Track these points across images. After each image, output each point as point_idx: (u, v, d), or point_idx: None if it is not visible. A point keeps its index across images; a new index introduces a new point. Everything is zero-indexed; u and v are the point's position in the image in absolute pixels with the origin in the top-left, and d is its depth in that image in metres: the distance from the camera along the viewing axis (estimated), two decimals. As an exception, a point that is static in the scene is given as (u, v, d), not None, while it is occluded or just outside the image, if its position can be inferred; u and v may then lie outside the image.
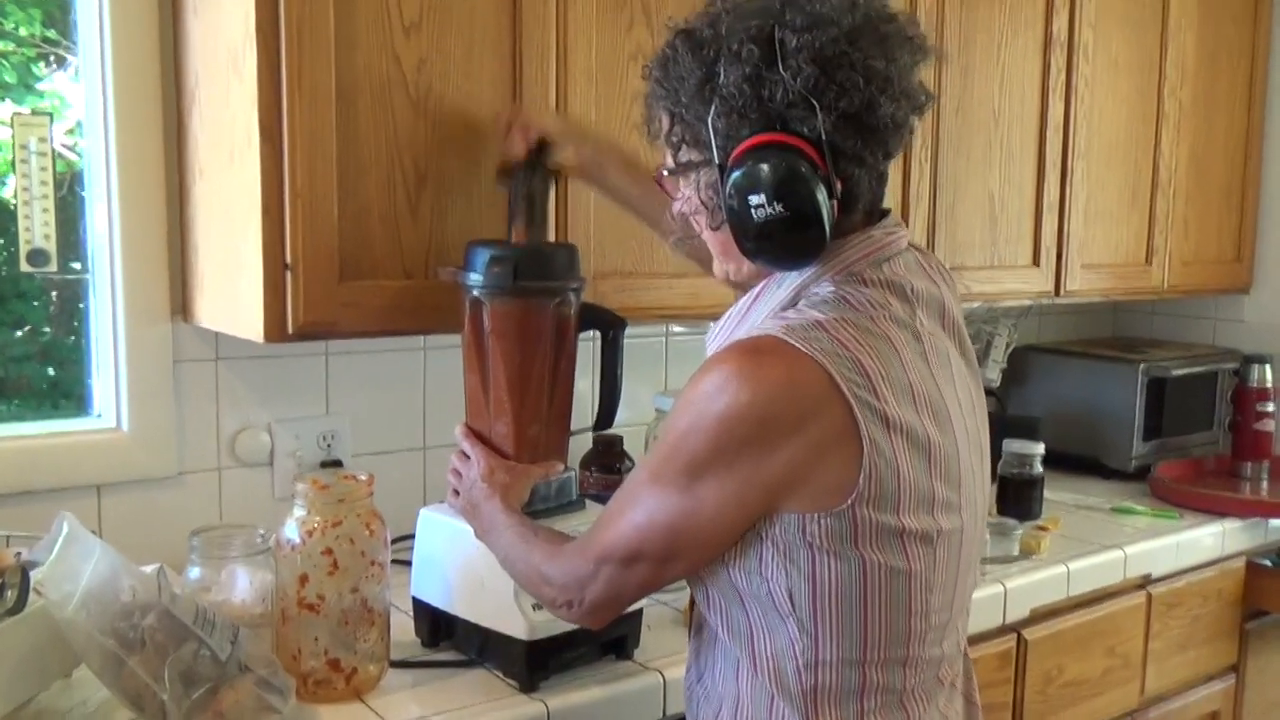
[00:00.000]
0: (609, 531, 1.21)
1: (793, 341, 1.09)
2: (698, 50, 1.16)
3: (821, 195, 1.12)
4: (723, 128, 1.14)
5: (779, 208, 1.12)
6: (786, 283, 1.20)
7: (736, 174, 1.13)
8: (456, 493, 1.51)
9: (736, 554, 1.15)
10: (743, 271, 1.25)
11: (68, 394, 1.91)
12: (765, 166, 1.11)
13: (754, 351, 1.11)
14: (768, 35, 1.11)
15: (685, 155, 1.21)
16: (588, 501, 1.63)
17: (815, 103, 1.10)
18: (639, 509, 1.17)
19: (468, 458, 1.52)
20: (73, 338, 1.92)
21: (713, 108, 1.14)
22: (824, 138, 1.11)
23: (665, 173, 1.25)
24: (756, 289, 1.23)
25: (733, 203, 1.14)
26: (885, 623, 1.15)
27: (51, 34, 1.83)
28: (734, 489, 1.11)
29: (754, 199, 1.12)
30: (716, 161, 1.15)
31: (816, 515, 1.10)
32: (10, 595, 1.19)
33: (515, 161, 1.57)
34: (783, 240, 1.14)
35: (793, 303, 1.18)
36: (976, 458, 1.24)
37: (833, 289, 1.17)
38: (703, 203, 1.21)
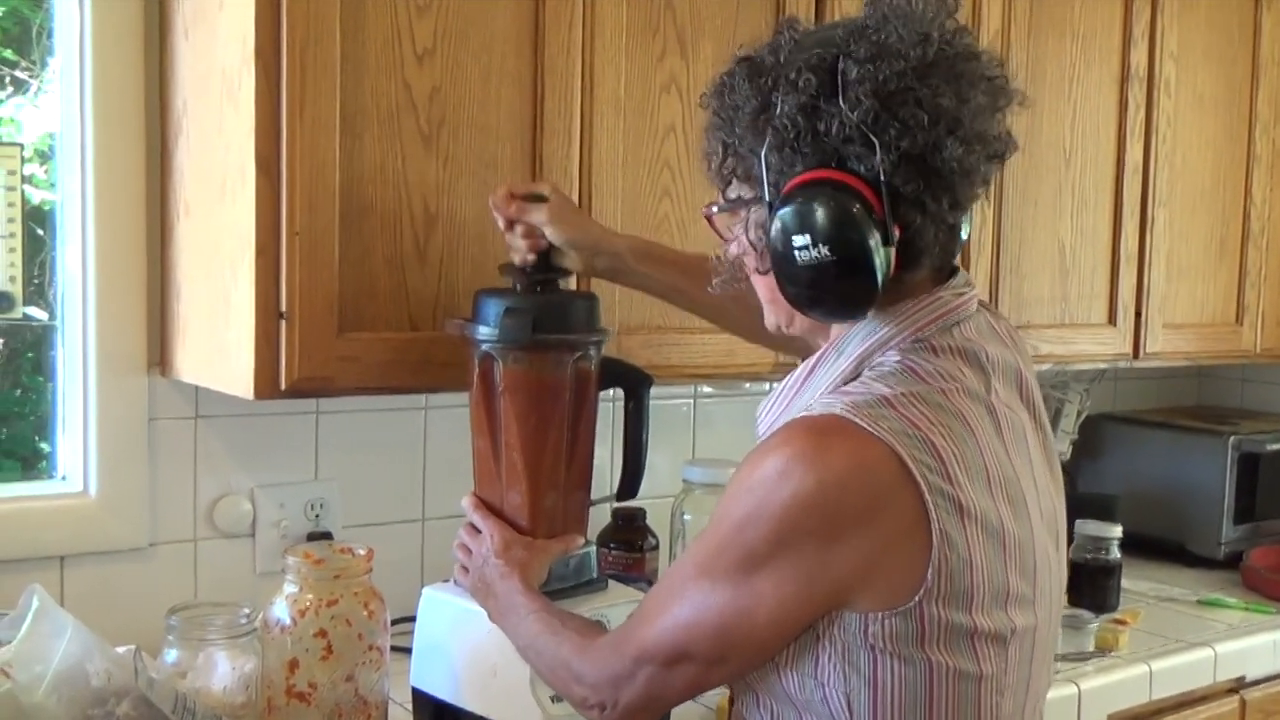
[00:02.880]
0: (650, 628, 1.22)
1: (860, 421, 1.12)
2: (755, 78, 1.20)
3: (875, 241, 1.14)
4: (775, 162, 1.18)
5: (824, 250, 1.14)
6: (847, 350, 1.23)
7: (783, 212, 1.17)
8: (466, 570, 1.54)
9: (790, 656, 1.17)
10: (794, 324, 1.28)
11: (11, 453, 1.94)
12: (814, 205, 1.15)
13: (819, 432, 1.13)
14: (829, 65, 1.15)
15: (735, 190, 1.26)
16: (610, 581, 1.66)
17: (875, 140, 1.13)
18: (685, 604, 1.19)
19: (478, 532, 1.55)
20: (19, 390, 1.95)
21: (766, 139, 1.18)
22: (882, 178, 1.14)
23: (714, 209, 1.30)
24: (813, 359, 1.26)
25: (776, 244, 1.17)
26: None
27: (9, 54, 1.89)
28: (796, 586, 1.13)
29: (798, 240, 1.15)
30: (766, 199, 1.19)
31: (881, 614, 1.12)
32: (-27, 676, 1.22)
33: (520, 264, 1.60)
34: (829, 288, 1.17)
35: (855, 374, 1.21)
36: (1052, 545, 1.26)
37: (899, 358, 1.20)
38: (751, 243, 1.24)
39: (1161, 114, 2.55)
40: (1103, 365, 2.63)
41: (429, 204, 1.66)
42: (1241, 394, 3.31)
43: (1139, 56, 2.50)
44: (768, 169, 1.18)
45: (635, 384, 1.67)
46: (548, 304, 1.58)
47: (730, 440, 2.44)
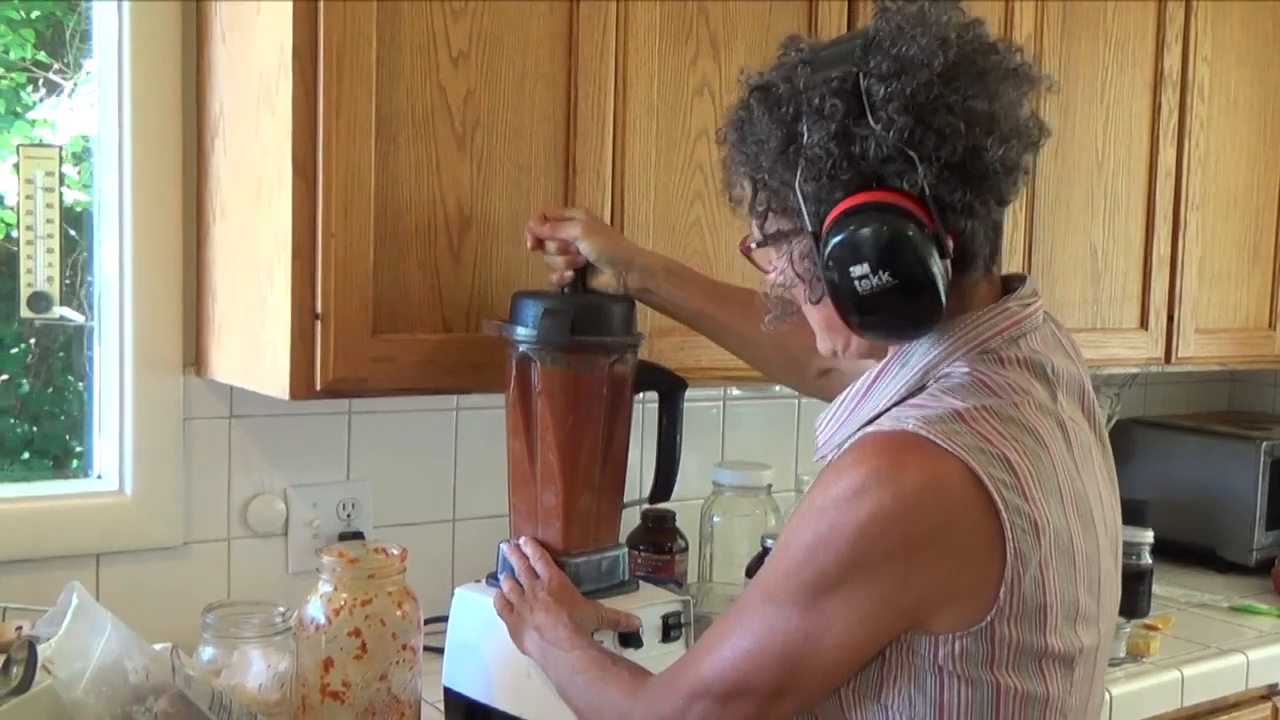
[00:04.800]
0: (707, 660, 1.20)
1: (934, 438, 1.09)
2: (775, 109, 1.17)
3: (933, 257, 1.12)
4: (813, 191, 1.15)
5: (886, 277, 1.11)
6: (912, 362, 1.20)
7: (834, 243, 1.13)
8: (510, 606, 1.53)
9: (853, 680, 1.15)
10: (852, 348, 1.25)
11: (44, 452, 1.96)
12: (866, 231, 1.11)
13: (894, 449, 1.10)
14: (852, 87, 1.13)
15: (774, 225, 1.22)
16: (641, 583, 1.67)
17: (913, 155, 1.11)
18: (746, 634, 1.16)
19: (535, 576, 1.53)
20: (50, 389, 1.98)
21: (799, 171, 1.15)
22: (927, 192, 1.12)
23: (754, 245, 1.26)
24: (875, 370, 1.23)
25: (832, 275, 1.14)
26: None
27: (43, 57, 1.92)
28: (868, 610, 1.10)
29: (856, 270, 1.12)
30: (809, 229, 1.17)
31: (953, 636, 1.10)
32: (16, 672, 1.23)
33: (558, 282, 1.61)
34: (895, 311, 1.14)
35: (920, 385, 1.18)
36: (1112, 559, 1.24)
37: (968, 370, 1.17)
38: (799, 275, 1.21)
39: (1195, 118, 2.54)
40: (1134, 369, 2.62)
41: (463, 206, 1.67)
42: (1274, 399, 3.29)
43: (1172, 60, 2.50)
44: (805, 199, 1.16)
45: (669, 388, 1.68)
46: (586, 306, 1.58)
47: (760, 443, 2.44)
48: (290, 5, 1.54)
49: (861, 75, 1.13)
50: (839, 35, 1.27)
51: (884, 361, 1.23)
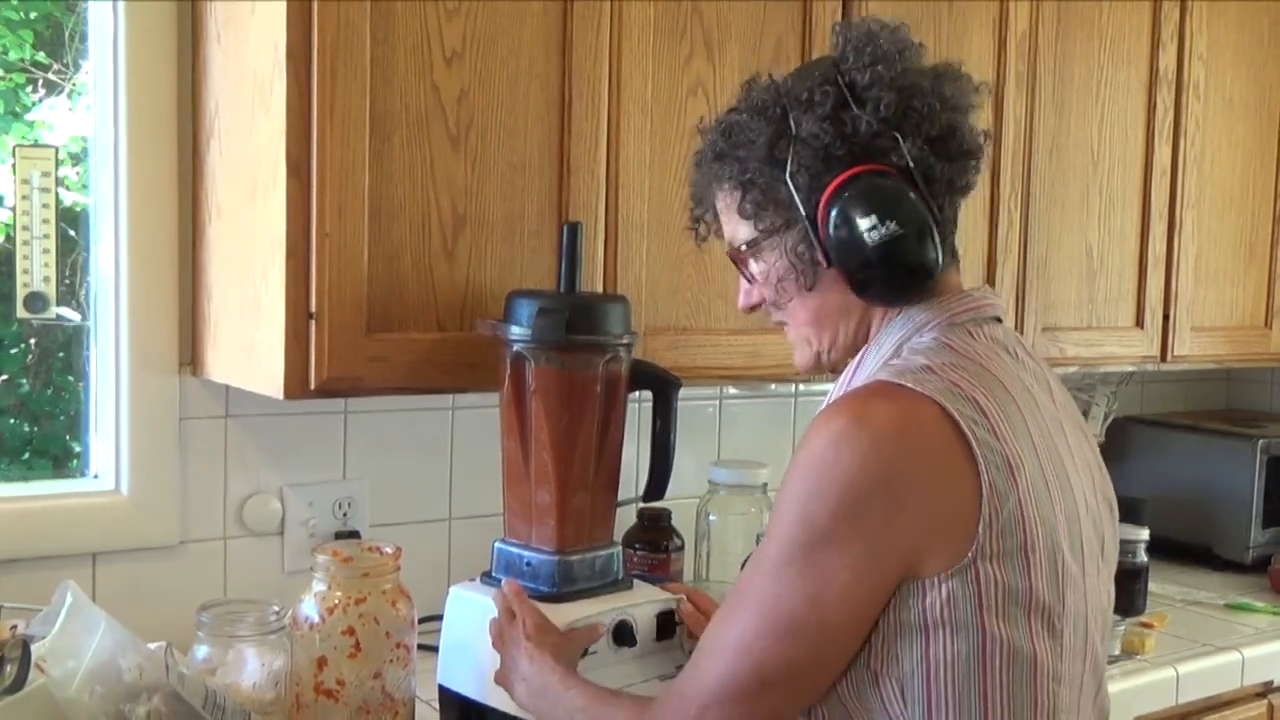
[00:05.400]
0: (710, 662, 1.19)
1: (904, 383, 1.15)
2: (761, 112, 1.27)
3: (929, 213, 1.22)
4: (805, 180, 1.24)
5: (893, 225, 1.20)
6: (887, 342, 1.27)
7: (836, 210, 1.21)
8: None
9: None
10: (838, 341, 1.31)
11: (43, 452, 1.97)
12: (871, 188, 1.21)
13: (863, 398, 1.16)
14: (835, 80, 1.24)
15: (766, 220, 1.29)
16: (635, 581, 1.67)
17: (899, 132, 1.22)
18: (747, 616, 1.16)
19: (514, 619, 1.50)
20: (50, 390, 1.98)
21: (789, 162, 1.24)
22: (912, 165, 1.22)
23: (744, 247, 1.33)
24: (856, 359, 1.29)
25: (841, 233, 1.21)
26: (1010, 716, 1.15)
27: (42, 57, 1.92)
28: (863, 558, 1.12)
29: (865, 222, 1.20)
30: (804, 214, 1.24)
31: (939, 579, 1.12)
32: (10, 671, 1.23)
33: None
34: (901, 259, 1.22)
35: (895, 354, 1.25)
36: (1094, 536, 1.26)
37: (936, 336, 1.24)
38: (792, 264, 1.28)
39: (1190, 116, 2.54)
40: (1130, 368, 2.62)
41: (457, 205, 1.67)
42: (1271, 397, 3.29)
43: (1168, 59, 2.50)
44: (797, 189, 1.24)
45: (664, 387, 1.68)
46: (580, 305, 1.59)
47: (756, 442, 2.45)
48: (284, 5, 1.54)
49: (843, 72, 1.25)
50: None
51: (861, 352, 1.29)
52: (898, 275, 1.23)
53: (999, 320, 1.32)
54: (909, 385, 1.15)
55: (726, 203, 1.34)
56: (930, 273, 1.23)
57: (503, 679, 1.48)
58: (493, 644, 1.51)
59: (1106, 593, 1.30)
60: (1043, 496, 1.17)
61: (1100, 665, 1.28)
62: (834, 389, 1.31)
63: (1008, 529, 1.13)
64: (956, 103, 1.26)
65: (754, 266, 1.34)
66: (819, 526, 1.13)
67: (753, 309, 1.40)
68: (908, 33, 1.29)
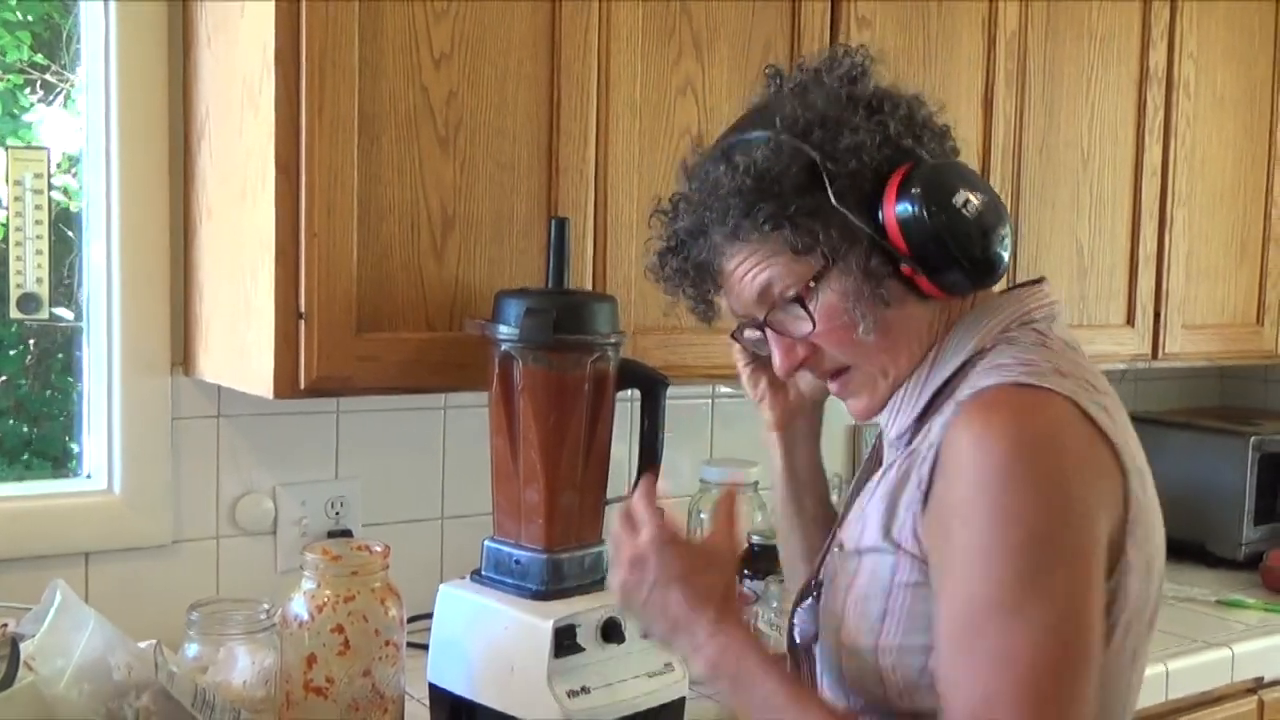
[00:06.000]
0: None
1: (1044, 384, 1.13)
2: (802, 137, 1.20)
3: None
4: (854, 197, 1.19)
5: (980, 197, 1.20)
6: (963, 336, 1.24)
7: (913, 203, 1.17)
8: (633, 573, 1.26)
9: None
10: (913, 361, 1.25)
11: (43, 453, 1.97)
12: (936, 171, 1.20)
13: (1017, 404, 1.13)
14: (845, 96, 1.23)
15: (828, 244, 1.20)
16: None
17: (920, 131, 1.24)
18: (1006, 677, 1.07)
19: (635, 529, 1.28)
20: (49, 391, 1.99)
21: (833, 184, 1.18)
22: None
23: (811, 283, 1.21)
24: (927, 361, 1.24)
25: (929, 222, 1.17)
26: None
27: (39, 59, 1.93)
28: (1092, 566, 1.10)
29: (958, 198, 1.18)
30: (867, 230, 1.19)
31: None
32: (-2, 668, 1.24)
33: None
34: (996, 230, 1.20)
35: (980, 350, 1.22)
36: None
37: (1034, 335, 1.22)
38: (866, 279, 1.20)
39: (1181, 115, 2.55)
40: (1121, 365, 2.62)
41: (446, 206, 1.68)
42: (1265, 394, 3.29)
43: (1158, 57, 2.50)
44: (850, 208, 1.18)
45: (652, 385, 1.69)
46: (568, 304, 1.59)
47: (748, 440, 2.45)
48: (272, 8, 1.55)
49: (834, 89, 1.23)
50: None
51: (929, 354, 1.25)
52: (1000, 242, 1.20)
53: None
54: (1049, 386, 1.13)
55: (763, 254, 1.23)
56: (1008, 244, 1.23)
57: (662, 624, 1.24)
58: (617, 561, 1.27)
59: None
60: (1152, 495, 1.18)
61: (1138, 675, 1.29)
62: (906, 390, 1.25)
63: (1144, 532, 1.15)
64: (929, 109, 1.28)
65: (816, 306, 1.22)
66: (1037, 548, 1.08)
67: (799, 366, 1.28)
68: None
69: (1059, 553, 1.08)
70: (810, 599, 1.32)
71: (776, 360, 1.28)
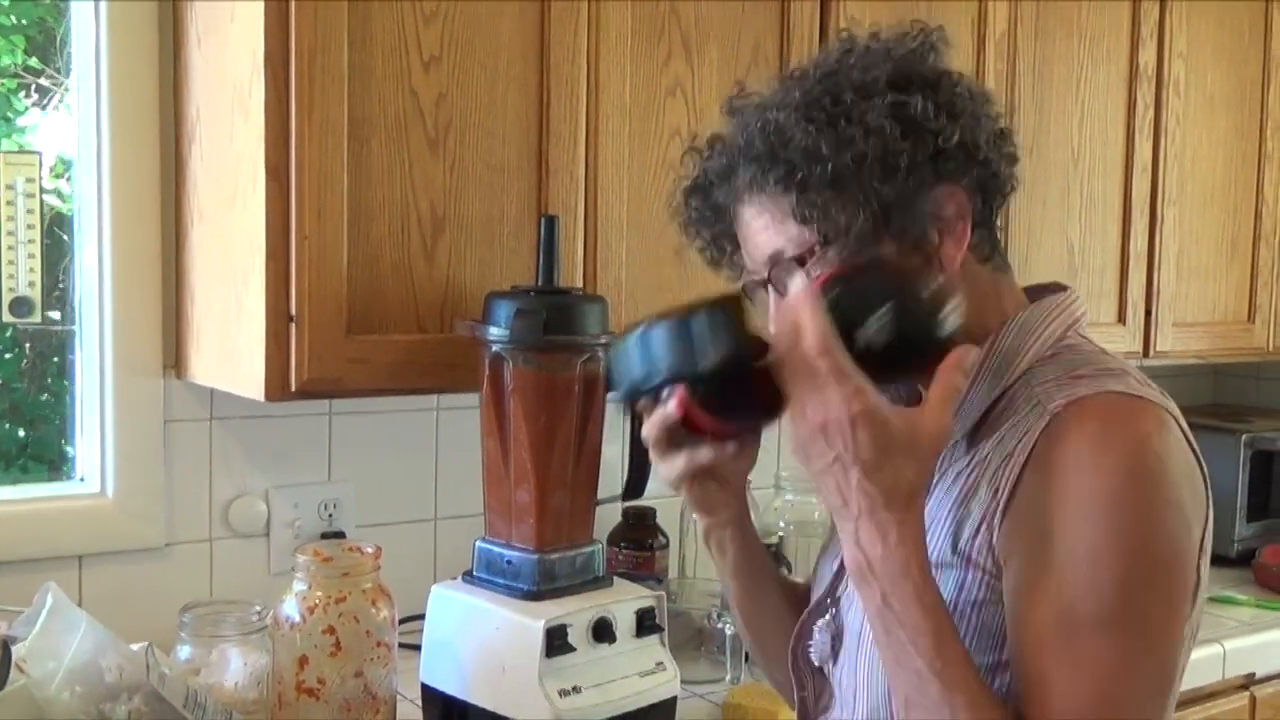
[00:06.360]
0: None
1: (1143, 394, 1.11)
2: (828, 106, 1.16)
3: None
4: (869, 176, 1.14)
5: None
6: (1020, 335, 1.19)
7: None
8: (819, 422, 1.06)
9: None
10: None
11: (39, 457, 1.98)
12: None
13: (1124, 413, 1.10)
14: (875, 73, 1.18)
15: (828, 220, 1.15)
16: (615, 579, 1.68)
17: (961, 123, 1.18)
18: (1105, 655, 1.05)
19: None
20: (45, 395, 1.99)
21: (841, 160, 1.14)
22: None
23: (811, 253, 1.16)
24: (981, 356, 1.18)
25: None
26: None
27: (34, 63, 1.93)
28: (1189, 570, 1.08)
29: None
30: (873, 211, 1.14)
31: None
32: (-10, 671, 1.25)
33: None
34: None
35: (1048, 355, 1.18)
36: None
37: (1091, 345, 1.21)
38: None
39: (1170, 113, 2.55)
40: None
41: (436, 207, 1.68)
42: (1257, 392, 3.30)
43: (1147, 56, 2.51)
44: (859, 188, 1.14)
45: (640, 385, 1.69)
46: (558, 306, 1.60)
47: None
48: (262, 11, 1.55)
49: (878, 65, 1.18)
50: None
51: (983, 352, 1.18)
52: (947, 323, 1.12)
53: None
54: (1148, 396, 1.11)
55: (771, 212, 1.18)
56: None
57: (833, 507, 1.09)
58: (803, 454, 1.07)
59: None
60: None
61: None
62: (973, 388, 1.18)
63: (1207, 548, 1.13)
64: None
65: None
66: (1144, 563, 1.06)
67: None
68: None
69: (1166, 572, 1.07)
70: (827, 617, 1.27)
71: (774, 324, 1.20)
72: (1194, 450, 1.12)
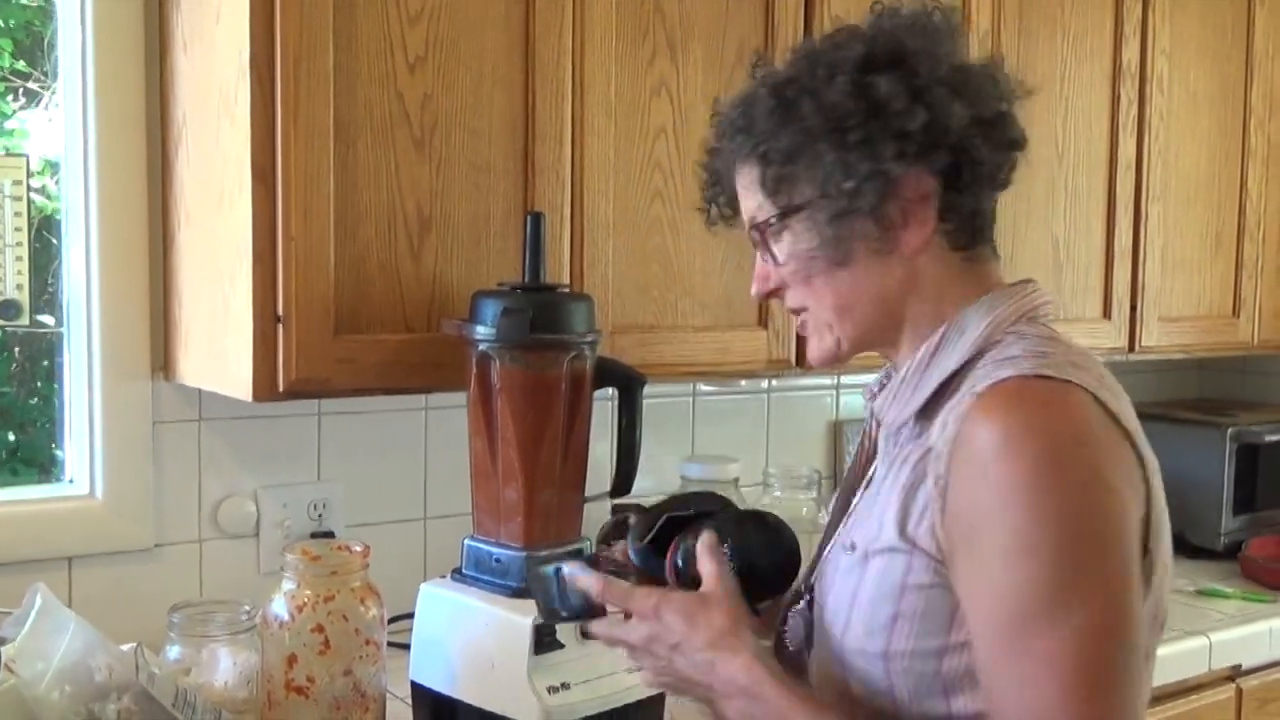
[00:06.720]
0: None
1: (1061, 375, 1.11)
2: (790, 83, 1.22)
3: None
4: (836, 152, 1.19)
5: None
6: (970, 326, 1.21)
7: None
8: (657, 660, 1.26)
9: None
10: (860, 328, 1.25)
11: (29, 461, 1.98)
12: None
13: (1033, 398, 1.10)
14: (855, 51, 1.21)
15: (788, 193, 1.22)
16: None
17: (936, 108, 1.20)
18: (1053, 684, 1.06)
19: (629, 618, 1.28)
20: (35, 399, 1.99)
21: (796, 133, 1.21)
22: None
23: (773, 221, 1.24)
24: (932, 342, 1.22)
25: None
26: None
27: (21, 66, 1.93)
28: (1128, 562, 1.09)
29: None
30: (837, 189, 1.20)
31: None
32: (-21, 672, 1.25)
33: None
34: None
35: (989, 342, 1.19)
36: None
37: (1036, 331, 1.20)
38: (822, 236, 1.22)
39: (1154, 110, 2.57)
40: (1099, 359, 2.64)
41: (422, 208, 1.69)
42: (1242, 386, 3.31)
43: (1131, 53, 2.52)
44: (823, 165, 1.19)
45: (629, 383, 1.70)
46: (544, 304, 1.61)
47: (729, 437, 2.47)
48: (247, 13, 1.56)
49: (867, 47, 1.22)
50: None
51: (936, 337, 1.21)
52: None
53: None
54: (1066, 377, 1.11)
55: (747, 180, 1.26)
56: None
57: (697, 690, 1.24)
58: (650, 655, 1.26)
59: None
60: (1161, 487, 1.17)
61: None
62: (907, 374, 1.22)
63: (1157, 530, 1.13)
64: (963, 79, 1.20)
65: (779, 244, 1.25)
66: (1074, 550, 1.06)
67: (769, 295, 1.30)
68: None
69: (1100, 551, 1.07)
70: (802, 604, 1.29)
71: (754, 282, 1.31)
72: (1126, 431, 1.12)
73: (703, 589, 1.24)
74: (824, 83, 1.18)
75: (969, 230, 1.23)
